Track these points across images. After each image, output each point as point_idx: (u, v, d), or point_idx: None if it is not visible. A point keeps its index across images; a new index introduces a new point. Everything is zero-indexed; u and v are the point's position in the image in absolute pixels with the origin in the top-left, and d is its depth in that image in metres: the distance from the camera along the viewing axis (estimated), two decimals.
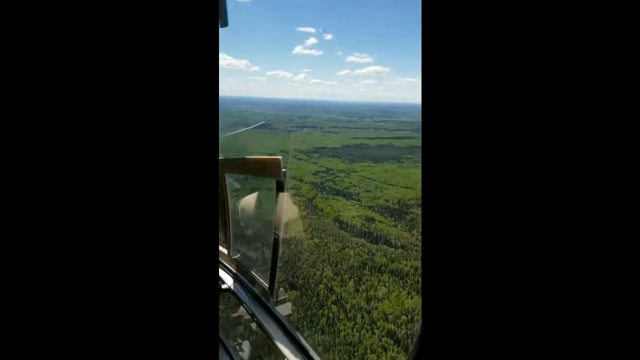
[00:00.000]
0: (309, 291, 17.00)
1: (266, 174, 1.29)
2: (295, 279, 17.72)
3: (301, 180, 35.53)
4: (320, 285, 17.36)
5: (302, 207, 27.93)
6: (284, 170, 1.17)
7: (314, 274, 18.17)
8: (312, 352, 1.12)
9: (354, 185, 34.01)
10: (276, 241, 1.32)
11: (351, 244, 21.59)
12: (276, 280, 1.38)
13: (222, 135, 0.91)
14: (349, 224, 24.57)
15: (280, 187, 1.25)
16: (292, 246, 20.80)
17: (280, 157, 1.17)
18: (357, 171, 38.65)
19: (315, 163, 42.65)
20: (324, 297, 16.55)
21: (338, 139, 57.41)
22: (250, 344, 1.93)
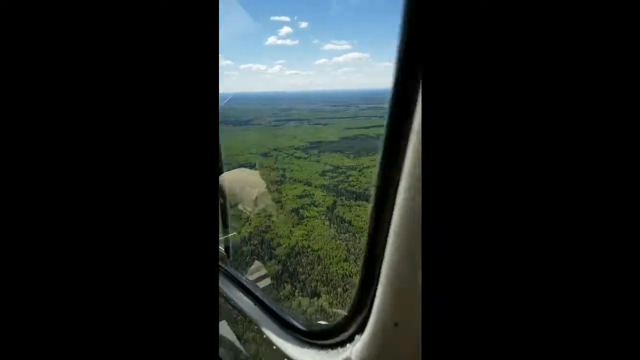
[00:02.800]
0: None
1: None
2: None
3: (309, 184, 29.14)
4: None
5: (325, 221, 21.67)
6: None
7: None
8: (294, 322, 0.98)
9: (374, 185, 28.19)
10: (223, 206, 1.51)
11: None
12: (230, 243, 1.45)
13: None
14: None
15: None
16: (339, 289, 14.51)
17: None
18: (369, 167, 32.80)
19: (318, 161, 36.32)
20: None
21: (332, 131, 51.30)
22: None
